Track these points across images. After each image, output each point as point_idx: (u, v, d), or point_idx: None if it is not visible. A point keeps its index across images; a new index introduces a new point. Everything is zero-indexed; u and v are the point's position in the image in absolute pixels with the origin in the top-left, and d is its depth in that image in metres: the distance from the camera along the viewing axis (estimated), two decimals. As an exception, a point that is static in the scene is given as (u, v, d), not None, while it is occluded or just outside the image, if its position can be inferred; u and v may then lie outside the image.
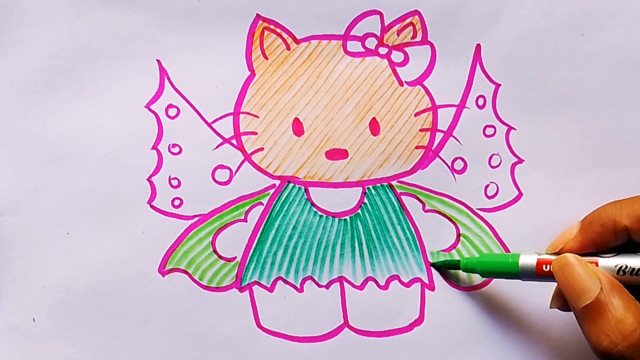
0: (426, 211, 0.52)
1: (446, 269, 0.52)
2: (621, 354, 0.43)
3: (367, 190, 0.52)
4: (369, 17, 0.51)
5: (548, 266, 0.47)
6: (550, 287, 0.49)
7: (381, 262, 0.52)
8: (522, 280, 0.49)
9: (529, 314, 0.52)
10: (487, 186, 0.52)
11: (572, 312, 0.46)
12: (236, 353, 0.51)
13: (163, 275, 0.51)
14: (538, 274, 0.48)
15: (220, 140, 0.51)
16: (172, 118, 0.51)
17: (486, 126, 0.52)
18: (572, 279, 0.45)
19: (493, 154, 0.52)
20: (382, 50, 0.51)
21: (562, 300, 0.48)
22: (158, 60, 0.50)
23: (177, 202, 0.51)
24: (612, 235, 0.46)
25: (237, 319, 0.51)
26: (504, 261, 0.49)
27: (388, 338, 0.52)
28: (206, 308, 0.51)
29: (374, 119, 0.51)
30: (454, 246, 0.52)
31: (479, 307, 0.52)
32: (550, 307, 0.49)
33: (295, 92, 0.51)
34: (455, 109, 0.52)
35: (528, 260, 0.48)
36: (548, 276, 0.47)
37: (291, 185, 0.51)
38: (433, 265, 0.51)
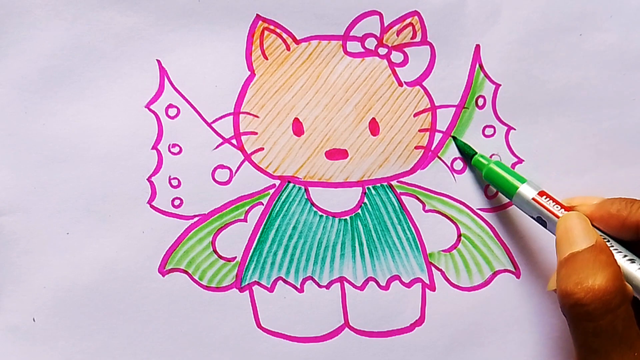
0: (426, 211, 0.52)
1: (462, 151, 0.52)
2: (582, 304, 0.43)
3: (367, 190, 0.52)
4: (368, 17, 0.51)
5: (548, 199, 0.48)
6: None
7: (382, 262, 0.52)
8: (514, 203, 0.49)
9: (529, 314, 0.52)
10: (487, 186, 0.52)
11: None
12: (236, 353, 0.51)
13: (163, 275, 0.51)
14: (534, 199, 0.48)
15: (220, 140, 0.51)
16: (172, 118, 0.50)
17: (486, 126, 0.52)
18: (572, 230, 0.46)
19: (493, 154, 0.52)
20: (382, 51, 0.51)
21: None
22: (158, 60, 0.50)
23: (177, 202, 0.51)
24: (620, 225, 0.47)
25: (237, 319, 0.51)
26: (512, 176, 0.50)
27: (389, 338, 0.52)
28: (206, 308, 0.51)
29: (373, 119, 0.51)
30: (454, 246, 0.52)
31: (479, 307, 0.52)
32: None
33: (295, 92, 0.51)
34: (454, 109, 0.52)
35: (532, 187, 0.49)
36: (539, 206, 0.48)
37: (291, 185, 0.51)
38: (454, 138, 0.51)
